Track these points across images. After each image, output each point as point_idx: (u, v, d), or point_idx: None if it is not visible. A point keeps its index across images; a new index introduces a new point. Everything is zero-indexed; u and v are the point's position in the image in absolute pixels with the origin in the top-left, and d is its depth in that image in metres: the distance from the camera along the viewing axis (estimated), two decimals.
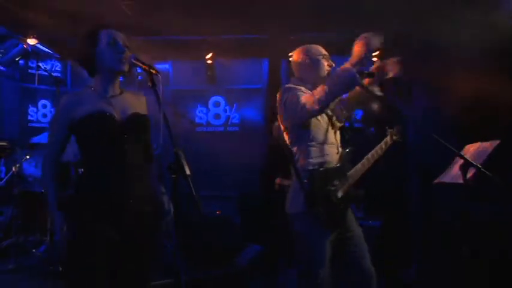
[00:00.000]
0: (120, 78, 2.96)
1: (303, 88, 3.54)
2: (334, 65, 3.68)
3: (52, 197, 2.74)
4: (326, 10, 6.20)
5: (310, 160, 3.46)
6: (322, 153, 3.49)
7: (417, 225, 7.14)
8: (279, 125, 5.21)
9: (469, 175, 3.50)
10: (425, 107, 7.19)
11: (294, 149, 3.56)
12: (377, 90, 3.70)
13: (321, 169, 3.44)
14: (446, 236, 5.57)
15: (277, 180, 5.36)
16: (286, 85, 3.62)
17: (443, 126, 6.03)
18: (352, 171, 3.60)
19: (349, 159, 3.63)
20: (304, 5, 6.12)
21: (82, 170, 2.83)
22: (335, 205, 3.41)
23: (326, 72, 3.63)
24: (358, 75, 3.17)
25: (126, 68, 2.84)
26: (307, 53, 3.71)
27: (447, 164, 3.96)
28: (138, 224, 2.79)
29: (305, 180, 3.39)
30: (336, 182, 3.46)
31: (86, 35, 2.86)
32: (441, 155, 3.62)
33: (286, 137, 3.64)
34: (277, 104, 3.62)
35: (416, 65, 6.93)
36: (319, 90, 3.28)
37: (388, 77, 3.58)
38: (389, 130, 3.99)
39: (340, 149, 3.62)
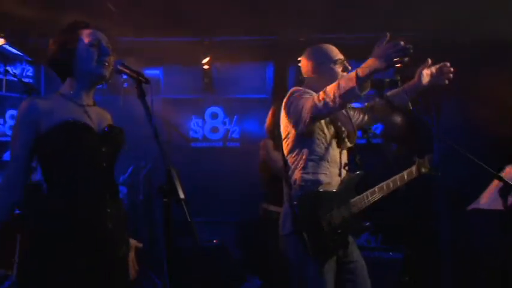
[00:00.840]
0: (101, 86, 2.96)
1: (312, 92, 3.54)
2: (350, 68, 3.68)
3: None
4: (342, 8, 6.21)
5: (305, 175, 3.48)
6: (320, 170, 3.50)
7: (447, 258, 7.10)
8: (266, 144, 5.27)
9: (510, 201, 3.49)
10: (456, 120, 7.19)
11: (290, 159, 3.58)
12: (401, 102, 3.72)
13: (316, 191, 3.44)
14: (482, 271, 5.53)
15: (263, 206, 5.35)
16: (292, 89, 3.64)
17: (478, 143, 6.02)
18: (357, 198, 3.58)
19: (354, 185, 3.62)
20: (316, 1, 6.13)
21: (48, 188, 2.76)
22: (326, 233, 3.39)
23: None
24: (359, 91, 3.15)
25: (108, 74, 2.85)
26: (317, 57, 3.73)
27: (483, 187, 3.95)
28: (117, 252, 2.81)
29: (295, 202, 3.39)
30: (333, 208, 3.45)
31: (63, 32, 2.85)
32: (475, 177, 3.61)
33: (284, 146, 3.64)
34: (282, 111, 3.63)
35: None
36: (328, 90, 3.28)
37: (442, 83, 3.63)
38: (417, 160, 3.95)
39: (343, 171, 3.63)
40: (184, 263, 5.79)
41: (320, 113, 3.30)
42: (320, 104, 3.25)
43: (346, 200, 3.52)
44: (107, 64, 2.82)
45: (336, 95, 3.18)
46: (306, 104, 3.37)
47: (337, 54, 3.70)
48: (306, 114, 3.35)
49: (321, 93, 3.29)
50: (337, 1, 6.06)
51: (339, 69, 3.65)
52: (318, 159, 3.50)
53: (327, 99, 3.22)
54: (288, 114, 3.56)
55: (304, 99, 3.44)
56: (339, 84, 3.20)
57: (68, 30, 2.85)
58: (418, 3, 5.98)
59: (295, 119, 3.47)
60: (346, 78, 3.20)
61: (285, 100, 3.61)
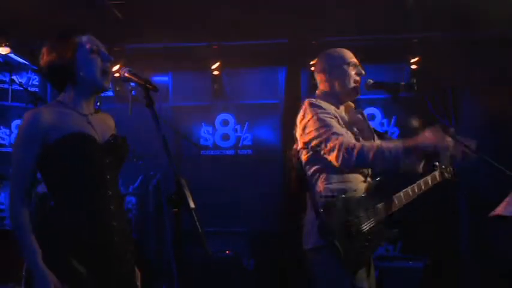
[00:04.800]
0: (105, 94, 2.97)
1: (323, 104, 3.52)
2: (364, 73, 3.67)
3: (28, 241, 2.60)
4: (355, 10, 6.21)
5: (329, 186, 3.45)
6: (345, 179, 3.48)
7: (471, 267, 7.05)
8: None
9: None
10: (477, 121, 7.16)
11: (311, 170, 3.54)
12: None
13: (342, 197, 3.41)
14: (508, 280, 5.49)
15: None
16: (307, 100, 3.60)
17: (499, 146, 5.99)
18: (384, 204, 3.55)
19: (379, 191, 3.59)
20: (329, 3, 6.13)
21: (53, 201, 2.75)
22: (355, 240, 3.35)
23: (353, 83, 3.63)
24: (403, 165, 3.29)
25: (109, 83, 2.87)
26: (330, 59, 3.72)
27: (506, 193, 3.92)
28: (124, 265, 2.82)
29: (321, 210, 3.35)
30: (361, 214, 3.42)
31: (60, 39, 2.84)
32: (497, 181, 3.59)
33: (302, 155, 3.62)
34: (298, 121, 3.61)
35: (464, 70, 6.94)
36: (367, 148, 3.30)
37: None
38: (438, 165, 3.95)
39: (368, 178, 3.61)
40: (196, 273, 5.79)
41: (348, 166, 3.33)
42: (352, 158, 3.29)
43: (373, 205, 3.50)
44: (109, 71, 2.85)
45: (387, 159, 3.28)
46: (333, 141, 3.34)
47: (351, 57, 3.70)
48: (331, 150, 3.35)
49: (374, 147, 3.32)
50: (349, 3, 6.06)
51: (352, 71, 3.64)
52: (341, 169, 3.48)
53: (374, 162, 3.30)
54: (304, 131, 3.53)
55: (326, 128, 3.40)
56: (383, 148, 3.28)
57: (65, 37, 2.83)
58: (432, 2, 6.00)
59: (316, 142, 3.45)
60: (391, 146, 3.29)
61: (300, 114, 3.58)
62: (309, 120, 3.48)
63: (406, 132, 7.91)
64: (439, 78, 7.13)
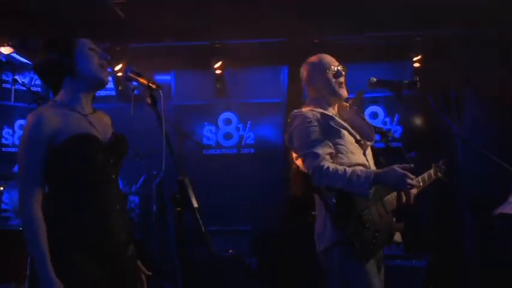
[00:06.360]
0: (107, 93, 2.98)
1: (308, 113, 3.55)
2: (344, 73, 3.68)
3: (37, 245, 2.57)
4: (357, 9, 6.21)
5: None
6: None
7: (474, 266, 7.05)
8: None
9: None
10: (479, 121, 7.16)
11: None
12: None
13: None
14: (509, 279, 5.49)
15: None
16: (292, 112, 3.64)
17: (502, 144, 5.99)
18: (389, 196, 3.54)
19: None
20: (330, 2, 6.13)
21: (58, 203, 2.74)
22: (367, 231, 3.34)
23: (337, 87, 3.64)
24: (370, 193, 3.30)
25: (107, 78, 2.89)
26: (309, 70, 3.77)
27: (508, 191, 3.92)
28: (129, 262, 2.84)
29: (333, 200, 3.34)
30: (369, 206, 3.41)
31: (59, 39, 2.87)
32: (500, 179, 3.59)
33: (298, 160, 3.60)
34: (286, 131, 3.64)
35: (467, 69, 6.94)
36: (333, 170, 3.32)
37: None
38: (433, 164, 3.99)
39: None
40: (199, 272, 5.80)
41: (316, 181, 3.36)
42: (322, 179, 3.33)
43: (379, 197, 3.49)
44: (106, 68, 2.87)
45: (355, 183, 3.28)
46: (308, 161, 3.40)
47: (330, 62, 3.71)
48: (311, 170, 3.38)
49: (330, 167, 3.34)
50: (351, 1, 6.06)
51: (332, 78, 3.65)
52: (344, 165, 3.47)
53: (330, 182, 3.31)
54: (290, 140, 3.58)
55: (306, 140, 3.45)
56: (350, 177, 3.29)
57: (63, 37, 2.87)
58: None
59: (297, 154, 3.51)
60: (361, 176, 3.30)
61: (288, 126, 3.61)
62: (293, 129, 3.54)
63: (408, 130, 7.92)
64: (442, 76, 7.13)
